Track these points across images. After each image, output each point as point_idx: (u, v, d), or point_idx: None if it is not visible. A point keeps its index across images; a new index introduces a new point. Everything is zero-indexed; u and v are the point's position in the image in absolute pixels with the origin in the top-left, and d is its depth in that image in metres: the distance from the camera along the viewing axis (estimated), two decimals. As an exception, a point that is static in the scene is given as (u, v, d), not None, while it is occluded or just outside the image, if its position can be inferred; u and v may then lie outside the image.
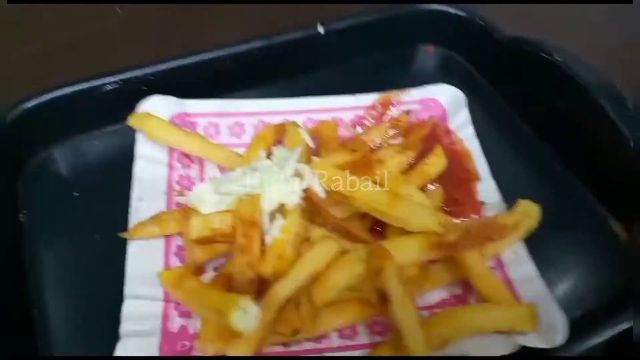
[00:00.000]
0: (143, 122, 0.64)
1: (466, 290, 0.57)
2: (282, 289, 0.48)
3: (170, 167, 0.65)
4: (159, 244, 0.58)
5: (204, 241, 0.53)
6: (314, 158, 0.56)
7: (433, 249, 0.53)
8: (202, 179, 0.66)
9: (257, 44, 0.73)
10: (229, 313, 0.43)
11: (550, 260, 0.59)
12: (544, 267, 0.56)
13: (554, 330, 0.51)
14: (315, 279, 0.50)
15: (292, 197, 0.54)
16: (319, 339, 0.53)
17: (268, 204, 0.54)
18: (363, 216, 0.60)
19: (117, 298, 0.52)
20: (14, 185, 0.65)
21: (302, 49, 0.76)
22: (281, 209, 0.54)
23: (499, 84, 0.78)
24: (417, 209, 0.55)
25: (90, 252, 0.60)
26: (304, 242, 0.53)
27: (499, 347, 0.50)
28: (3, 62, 0.79)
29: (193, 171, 0.67)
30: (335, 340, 0.53)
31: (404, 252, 0.53)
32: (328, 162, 0.55)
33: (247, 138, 0.70)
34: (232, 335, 0.47)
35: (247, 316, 0.43)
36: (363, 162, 0.59)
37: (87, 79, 0.67)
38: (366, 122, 0.71)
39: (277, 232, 0.52)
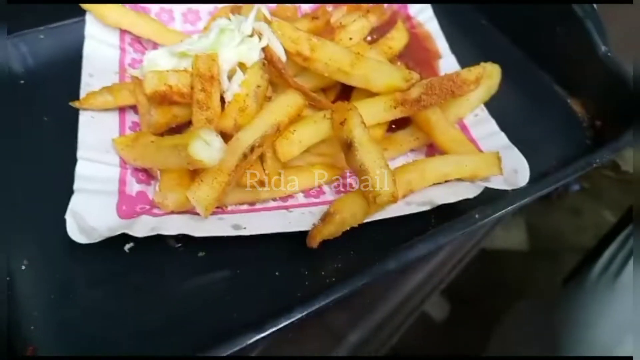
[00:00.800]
0: (94, 4, 0.60)
1: (430, 156, 0.57)
2: (245, 136, 0.47)
3: (122, 50, 0.62)
4: (113, 118, 0.56)
5: (160, 99, 0.50)
6: (274, 19, 0.54)
7: (397, 107, 0.53)
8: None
9: None
10: (189, 144, 0.41)
11: (517, 132, 0.58)
12: (509, 136, 0.57)
13: (516, 174, 0.52)
14: (279, 133, 0.49)
15: (251, 55, 0.52)
16: (284, 198, 0.52)
17: (226, 63, 0.52)
18: (325, 90, 0.59)
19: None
20: None
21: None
22: (241, 68, 0.52)
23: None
24: (381, 66, 0.54)
25: (40, 134, 0.56)
26: (266, 99, 0.51)
27: (464, 192, 0.51)
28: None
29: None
30: (301, 199, 0.53)
31: (369, 112, 0.52)
32: (288, 24, 0.54)
33: (201, 25, 0.67)
34: (194, 179, 0.46)
35: (209, 147, 0.41)
36: (324, 29, 0.57)
37: None
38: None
39: (237, 87, 0.50)
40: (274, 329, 0.40)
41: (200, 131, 0.41)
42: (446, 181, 0.52)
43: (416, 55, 0.66)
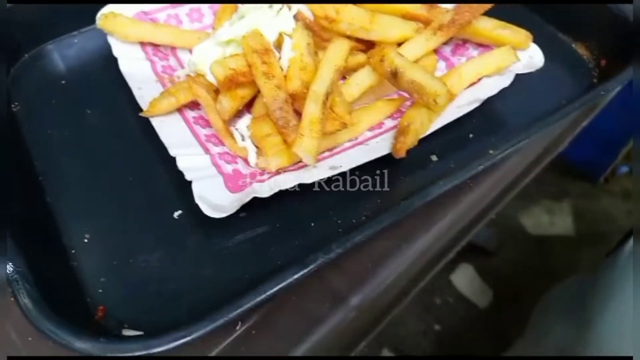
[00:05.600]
0: (112, 23, 0.64)
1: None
2: (318, 87, 0.54)
3: (151, 61, 0.66)
4: (176, 117, 0.60)
5: (228, 84, 0.56)
6: (295, -13, 0.61)
7: (437, 33, 0.61)
8: (181, 66, 0.68)
9: None
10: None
11: (526, 80, 0.63)
12: (517, 83, 0.62)
13: (532, 59, 0.62)
14: (340, 77, 0.56)
15: (288, 23, 0.59)
16: (357, 137, 0.60)
17: (270, 36, 0.58)
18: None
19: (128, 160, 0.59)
20: (2, 82, 0.66)
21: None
22: (282, 38, 0.59)
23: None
24: (394, 20, 0.62)
25: (86, 125, 0.63)
26: (316, 55, 0.58)
27: (499, 83, 0.60)
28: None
29: (172, 61, 0.68)
30: (368, 134, 0.60)
31: (414, 48, 0.61)
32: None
33: (208, 20, 0.72)
34: (286, 141, 0.53)
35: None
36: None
37: None
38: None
39: (290, 52, 0.57)
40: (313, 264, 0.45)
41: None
42: (479, 80, 0.62)
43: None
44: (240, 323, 0.49)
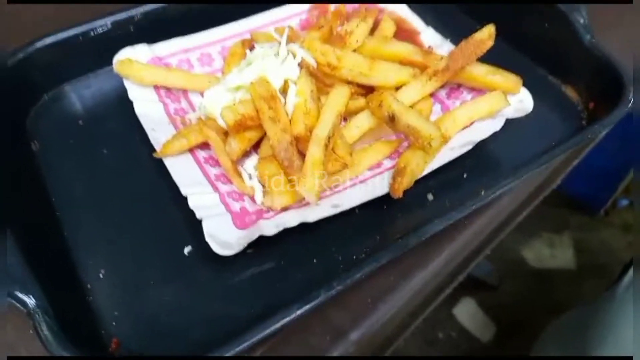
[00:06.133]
0: (128, 68, 0.68)
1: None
2: (320, 131, 0.57)
3: (164, 103, 0.71)
4: (187, 158, 0.64)
5: (238, 128, 0.59)
6: (302, 35, 0.65)
7: (432, 79, 0.65)
8: (192, 108, 0.72)
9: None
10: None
11: (517, 122, 0.67)
12: (509, 125, 0.66)
13: (523, 103, 0.66)
14: (341, 121, 0.60)
15: (293, 71, 0.63)
16: (357, 176, 0.63)
17: (276, 83, 0.62)
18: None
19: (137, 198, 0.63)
20: (24, 120, 0.71)
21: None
22: (287, 84, 0.63)
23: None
24: (392, 66, 0.66)
25: (102, 164, 0.68)
26: (319, 100, 0.62)
27: (491, 127, 0.64)
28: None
29: (183, 103, 0.72)
30: (368, 174, 0.64)
31: (411, 93, 0.65)
32: (314, 39, 0.65)
33: (217, 64, 0.77)
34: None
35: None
36: (336, 37, 0.69)
37: (80, 24, 0.73)
38: (313, 21, 0.81)
39: (294, 98, 0.61)
40: (316, 300, 0.48)
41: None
42: (471, 123, 0.65)
43: (399, 37, 0.79)
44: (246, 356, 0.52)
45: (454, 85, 0.71)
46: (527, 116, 0.66)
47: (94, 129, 0.72)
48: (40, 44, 0.72)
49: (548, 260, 1.88)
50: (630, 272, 0.88)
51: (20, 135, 0.70)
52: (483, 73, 0.66)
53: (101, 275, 0.56)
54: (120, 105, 0.71)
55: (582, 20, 0.73)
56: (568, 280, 1.80)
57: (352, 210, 0.59)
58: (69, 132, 0.71)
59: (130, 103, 0.69)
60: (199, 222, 0.56)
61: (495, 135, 0.64)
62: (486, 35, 0.64)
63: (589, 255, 1.90)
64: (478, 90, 0.69)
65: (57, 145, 0.69)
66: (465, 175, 0.64)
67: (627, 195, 2.12)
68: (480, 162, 0.65)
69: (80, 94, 0.76)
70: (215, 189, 0.61)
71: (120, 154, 0.68)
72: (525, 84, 0.67)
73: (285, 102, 0.61)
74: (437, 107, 0.70)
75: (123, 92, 0.70)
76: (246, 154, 0.65)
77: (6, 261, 0.48)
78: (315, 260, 0.57)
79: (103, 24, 0.75)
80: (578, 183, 2.10)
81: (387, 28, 0.74)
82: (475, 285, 1.73)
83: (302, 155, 0.58)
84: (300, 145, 0.60)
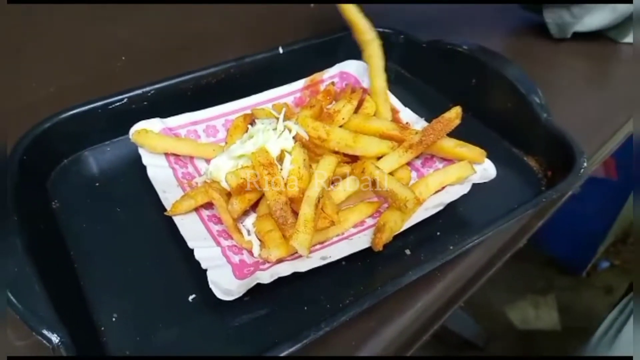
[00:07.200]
0: (143, 137, 0.78)
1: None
2: (312, 193, 0.67)
3: (173, 169, 0.80)
4: (193, 216, 0.73)
5: (239, 190, 0.69)
6: (296, 112, 0.76)
7: (408, 151, 0.76)
8: (198, 173, 0.82)
9: (232, 63, 0.95)
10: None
11: (483, 186, 0.73)
12: (475, 190, 0.73)
13: (486, 171, 0.76)
14: (329, 185, 0.70)
15: (288, 142, 0.73)
16: (343, 232, 0.72)
17: (273, 153, 0.72)
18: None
19: (152, 254, 0.71)
20: (44, 183, 0.80)
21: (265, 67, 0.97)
22: (284, 154, 0.73)
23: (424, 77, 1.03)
24: (373, 140, 0.77)
25: (116, 221, 0.76)
26: (310, 167, 0.72)
27: (459, 190, 0.74)
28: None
29: (190, 168, 0.82)
30: (352, 230, 0.72)
31: (391, 162, 0.75)
32: (306, 116, 0.76)
33: (221, 135, 0.87)
34: (286, 237, 0.64)
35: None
36: (325, 115, 0.80)
37: (100, 99, 0.85)
38: (306, 99, 0.93)
39: (289, 165, 0.71)
40: (306, 339, 0.55)
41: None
42: (443, 188, 0.75)
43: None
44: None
45: (428, 156, 0.82)
46: (493, 182, 0.76)
47: (109, 190, 0.81)
48: (64, 115, 0.83)
49: (533, 322, 1.92)
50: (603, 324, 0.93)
51: (41, 194, 0.79)
52: (452, 145, 0.77)
53: (114, 319, 0.62)
54: (133, 170, 0.81)
55: (538, 100, 0.85)
56: (553, 340, 1.85)
57: (339, 261, 0.67)
58: (87, 193, 0.80)
59: (143, 168, 0.79)
60: (201, 273, 0.63)
61: (464, 198, 0.74)
62: (454, 115, 0.75)
63: (574, 317, 1.96)
64: (448, 160, 0.79)
65: (76, 204, 0.78)
66: (438, 233, 0.73)
67: (607, 256, 2.20)
68: (451, 221, 0.74)
69: (98, 158, 0.86)
70: (218, 243, 0.69)
71: (132, 212, 0.77)
72: (491, 155, 0.77)
73: (281, 169, 0.71)
74: (413, 175, 0.80)
75: (136, 158, 0.80)
76: (245, 213, 0.73)
77: (36, 304, 0.55)
78: (306, 308, 0.64)
79: (120, 99, 0.86)
80: (560, 245, 2.19)
81: (370, 107, 0.85)
82: (463, 345, 1.76)
83: (295, 214, 0.67)
84: (294, 205, 0.69)
